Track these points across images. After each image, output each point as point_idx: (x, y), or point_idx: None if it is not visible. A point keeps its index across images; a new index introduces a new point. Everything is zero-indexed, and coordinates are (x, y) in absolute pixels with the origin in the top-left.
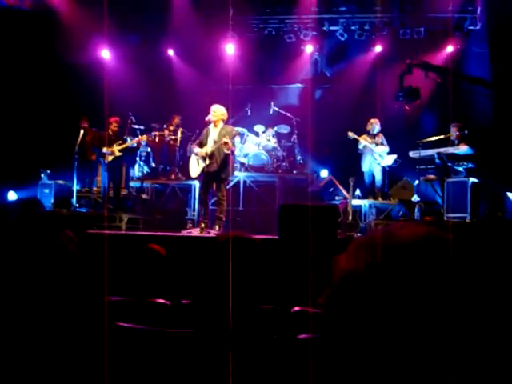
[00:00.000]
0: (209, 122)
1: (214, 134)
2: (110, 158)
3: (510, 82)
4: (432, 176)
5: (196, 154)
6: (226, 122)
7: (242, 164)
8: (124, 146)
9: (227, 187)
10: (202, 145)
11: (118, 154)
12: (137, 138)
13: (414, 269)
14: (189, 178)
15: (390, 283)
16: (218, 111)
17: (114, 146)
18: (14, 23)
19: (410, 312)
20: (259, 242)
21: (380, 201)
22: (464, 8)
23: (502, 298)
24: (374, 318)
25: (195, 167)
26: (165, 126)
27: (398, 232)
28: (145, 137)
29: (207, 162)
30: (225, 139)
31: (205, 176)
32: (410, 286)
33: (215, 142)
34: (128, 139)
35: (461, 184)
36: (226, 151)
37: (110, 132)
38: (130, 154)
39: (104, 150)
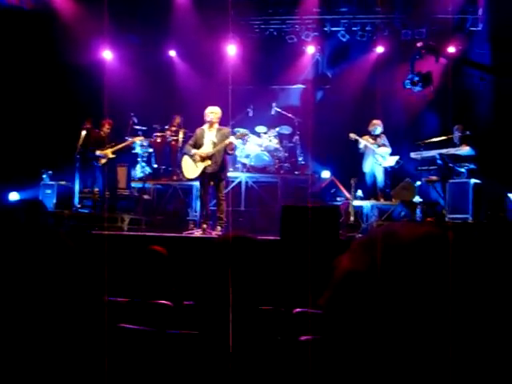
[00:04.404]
0: (211, 123)
1: (210, 135)
2: (104, 160)
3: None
4: (434, 177)
5: (192, 155)
6: (226, 124)
7: (244, 165)
8: (116, 148)
9: (229, 188)
10: (196, 146)
11: (111, 156)
12: (130, 140)
13: (415, 268)
14: (191, 178)
15: (391, 283)
16: (217, 112)
17: (107, 148)
18: (16, 23)
19: (410, 312)
20: (261, 242)
21: (382, 202)
22: (465, 9)
23: (502, 297)
24: (374, 318)
25: (193, 168)
26: (166, 126)
27: (398, 232)
28: (138, 138)
29: (208, 162)
30: (230, 140)
31: (204, 177)
32: (410, 286)
33: (214, 143)
34: (129, 140)
35: (462, 185)
36: (229, 152)
37: (103, 134)
38: (125, 155)
39: (97, 152)
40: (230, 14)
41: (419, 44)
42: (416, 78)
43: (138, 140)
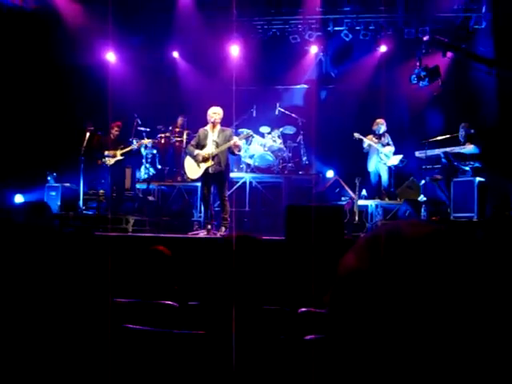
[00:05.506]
0: (214, 124)
1: (213, 135)
2: (112, 161)
3: None
4: (438, 176)
5: (195, 156)
6: (230, 124)
7: (248, 165)
8: (126, 150)
9: (233, 189)
10: (199, 147)
11: (119, 157)
12: (138, 142)
13: (419, 267)
14: (194, 179)
15: (395, 281)
16: (220, 113)
17: (117, 149)
18: (18, 24)
19: (413, 310)
20: (265, 242)
21: (386, 201)
22: (469, 7)
23: (507, 297)
24: (378, 316)
25: (195, 169)
26: (170, 127)
27: (403, 230)
28: (146, 140)
29: (210, 163)
30: (236, 141)
31: (206, 177)
32: (414, 284)
33: (217, 144)
34: (134, 142)
35: (467, 183)
36: (235, 152)
37: (112, 136)
38: (131, 157)
39: (106, 153)
40: (233, 15)
41: (426, 38)
42: (423, 73)
43: (145, 142)
